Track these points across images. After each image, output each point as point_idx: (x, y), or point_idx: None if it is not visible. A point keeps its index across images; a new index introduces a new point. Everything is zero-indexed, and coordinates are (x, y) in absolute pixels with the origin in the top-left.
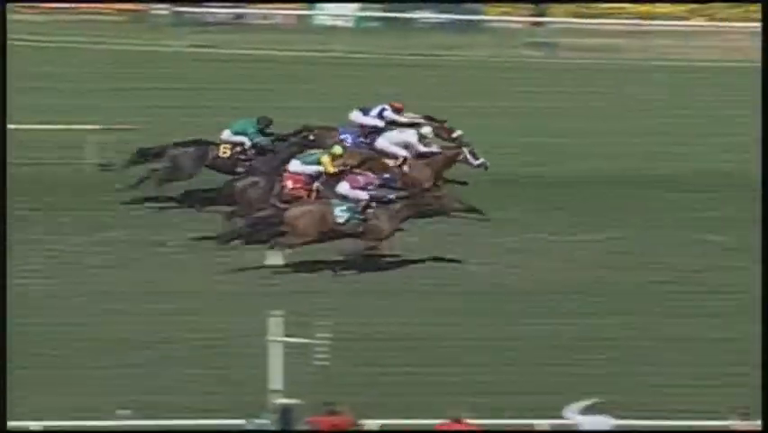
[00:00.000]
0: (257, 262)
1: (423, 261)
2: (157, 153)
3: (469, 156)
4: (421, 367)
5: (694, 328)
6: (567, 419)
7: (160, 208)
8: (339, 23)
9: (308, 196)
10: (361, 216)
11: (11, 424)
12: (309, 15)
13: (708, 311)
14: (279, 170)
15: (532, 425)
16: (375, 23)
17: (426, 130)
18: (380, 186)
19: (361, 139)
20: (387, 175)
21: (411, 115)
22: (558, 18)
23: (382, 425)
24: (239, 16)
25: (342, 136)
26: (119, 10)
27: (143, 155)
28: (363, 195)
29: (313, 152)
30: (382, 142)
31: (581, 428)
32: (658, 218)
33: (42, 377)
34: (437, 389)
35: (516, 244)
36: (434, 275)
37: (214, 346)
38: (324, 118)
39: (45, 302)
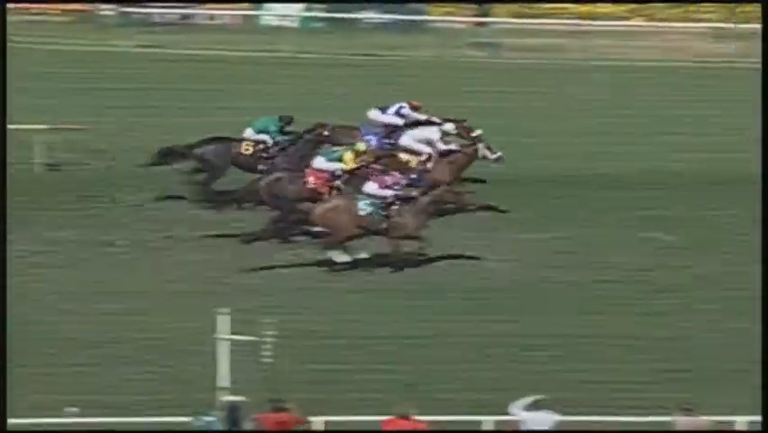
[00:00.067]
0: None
1: (443, 258)
2: (180, 154)
3: (486, 152)
4: (367, 364)
5: (638, 327)
6: (512, 415)
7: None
8: (285, 23)
9: (329, 193)
10: (384, 213)
11: None
12: (255, 16)
13: (651, 310)
14: (301, 166)
15: (480, 422)
16: (320, 24)
17: (449, 127)
18: (407, 185)
19: (385, 140)
20: (413, 175)
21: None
22: (500, 18)
23: (327, 422)
24: (185, 17)
25: (366, 137)
26: (65, 10)
27: (165, 155)
28: (389, 193)
29: (336, 148)
30: (406, 140)
31: (525, 425)
32: (602, 217)
33: None
34: (383, 386)
35: (459, 243)
36: (379, 273)
37: (162, 345)
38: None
39: None
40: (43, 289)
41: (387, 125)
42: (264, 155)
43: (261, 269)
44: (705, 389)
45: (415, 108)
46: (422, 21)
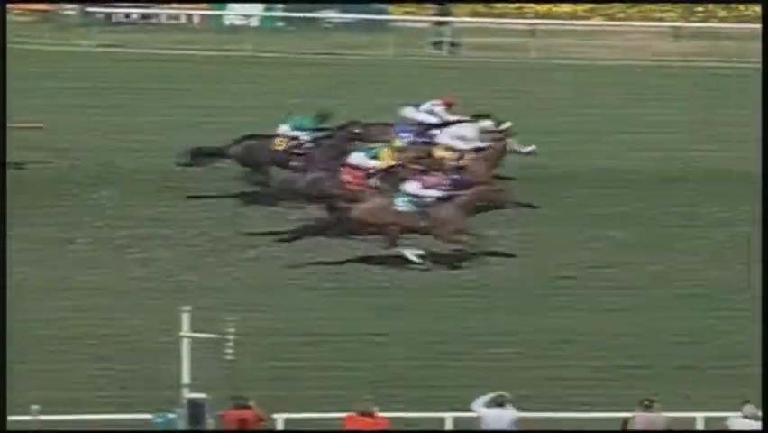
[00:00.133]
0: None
1: (480, 255)
2: (212, 154)
3: (517, 146)
4: (328, 361)
5: (596, 323)
6: (473, 411)
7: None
8: (246, 22)
9: (366, 191)
10: (425, 210)
11: None
12: (217, 15)
13: (609, 306)
14: (335, 163)
15: (441, 419)
16: (282, 23)
17: (487, 124)
18: (450, 186)
19: (419, 137)
20: (456, 176)
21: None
22: (461, 18)
23: (288, 419)
24: (147, 16)
25: (401, 134)
26: (28, 10)
27: (197, 156)
28: (434, 193)
29: (372, 145)
30: (444, 137)
31: (485, 422)
32: (559, 215)
33: None
34: (345, 383)
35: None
36: (342, 271)
37: (126, 343)
38: (235, 115)
39: None
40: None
41: (421, 123)
42: (297, 151)
43: (299, 266)
44: (663, 385)
45: (449, 105)
46: (383, 20)
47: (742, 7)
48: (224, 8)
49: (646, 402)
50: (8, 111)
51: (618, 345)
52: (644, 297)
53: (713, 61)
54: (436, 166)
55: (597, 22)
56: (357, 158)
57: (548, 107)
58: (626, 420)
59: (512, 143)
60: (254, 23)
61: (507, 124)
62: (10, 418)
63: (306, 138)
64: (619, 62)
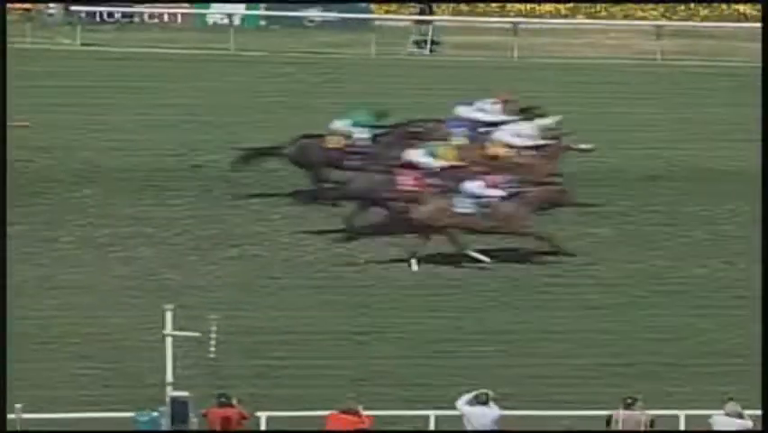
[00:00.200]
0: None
1: (551, 254)
2: (266, 153)
3: (575, 144)
4: (310, 360)
5: (576, 321)
6: (457, 409)
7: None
8: (229, 21)
9: (424, 190)
10: (488, 209)
11: None
12: (200, 14)
13: (589, 304)
14: (394, 162)
15: (426, 417)
16: (264, 22)
17: (548, 122)
18: (513, 184)
19: (473, 135)
20: (517, 174)
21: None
22: (443, 16)
23: (271, 417)
24: (129, 15)
25: (452, 129)
26: (11, 8)
27: (250, 156)
28: (498, 192)
29: (431, 143)
30: (501, 134)
31: (469, 420)
32: (544, 213)
33: None
34: (329, 381)
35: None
36: (329, 270)
37: (109, 341)
38: (217, 114)
39: None
40: None
41: (475, 121)
42: (353, 150)
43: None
44: (646, 382)
45: (505, 103)
46: (365, 19)
47: (723, 6)
48: (206, 7)
49: (629, 400)
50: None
51: (601, 343)
52: (627, 294)
53: (695, 60)
54: (496, 164)
55: (579, 20)
56: (415, 156)
57: (531, 106)
58: (608, 418)
59: (570, 141)
60: (237, 21)
61: (557, 117)
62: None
63: (362, 136)
64: (602, 61)
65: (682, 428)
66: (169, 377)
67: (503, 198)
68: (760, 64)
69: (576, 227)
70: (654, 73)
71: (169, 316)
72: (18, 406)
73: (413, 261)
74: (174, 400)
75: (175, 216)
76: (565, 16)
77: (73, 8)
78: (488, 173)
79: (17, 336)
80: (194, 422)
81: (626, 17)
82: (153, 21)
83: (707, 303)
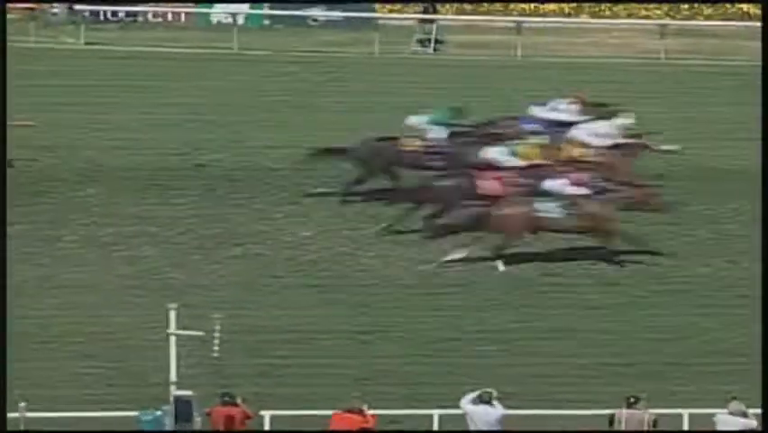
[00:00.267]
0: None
1: (636, 253)
2: (337, 152)
3: (657, 144)
4: (314, 359)
5: (579, 320)
6: (461, 408)
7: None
8: (233, 20)
9: (507, 189)
10: (573, 211)
11: None
12: (204, 13)
13: (592, 303)
14: (475, 162)
15: (429, 416)
16: (268, 21)
17: (626, 121)
18: (597, 183)
19: (548, 134)
20: (600, 173)
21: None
22: (447, 15)
23: (273, 416)
24: (133, 14)
25: (526, 126)
26: (13, 8)
27: (322, 154)
28: (584, 190)
29: (512, 142)
30: (578, 134)
31: (472, 419)
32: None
33: None
34: (332, 380)
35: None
36: (329, 269)
37: (112, 340)
38: (220, 113)
39: None
40: None
41: (550, 121)
42: (432, 151)
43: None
44: (649, 382)
45: (581, 103)
46: (369, 18)
47: (727, 5)
48: (210, 6)
49: (631, 399)
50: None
51: (603, 342)
52: (629, 294)
53: (699, 59)
54: (576, 163)
55: (583, 19)
56: (495, 154)
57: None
58: (611, 417)
59: (652, 141)
60: (240, 20)
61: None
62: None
63: (438, 136)
64: (605, 60)
65: (686, 427)
66: (173, 376)
67: (588, 196)
68: (763, 63)
69: None
70: (658, 72)
71: (172, 315)
72: (22, 405)
73: (499, 262)
74: (178, 399)
75: (178, 215)
76: (569, 15)
77: (77, 7)
78: (571, 171)
79: (20, 336)
80: (197, 421)
81: (629, 16)
82: (157, 20)
83: (710, 302)
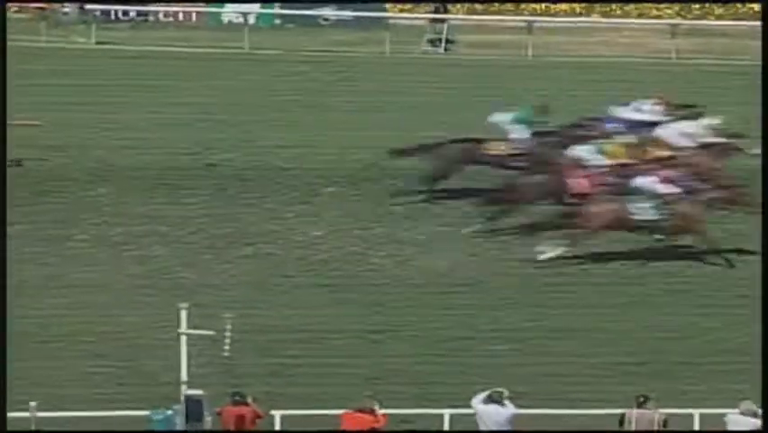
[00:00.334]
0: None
1: (725, 252)
2: (419, 150)
3: (747, 148)
4: (326, 358)
5: (590, 319)
6: (472, 407)
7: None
8: (243, 20)
9: (597, 188)
10: (668, 211)
11: None
12: (215, 13)
13: (603, 302)
14: (561, 161)
15: (440, 415)
16: (279, 21)
17: (713, 122)
18: (688, 182)
19: (633, 131)
20: (690, 173)
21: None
22: (458, 15)
23: (283, 415)
24: (144, 14)
25: (609, 126)
26: (25, 8)
27: (403, 151)
28: (674, 189)
29: (598, 141)
30: (664, 134)
31: (482, 418)
32: None
33: None
34: (343, 379)
35: (417, 237)
36: (340, 268)
37: (123, 339)
38: (232, 112)
39: None
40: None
41: (633, 121)
42: (517, 152)
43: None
44: (660, 381)
45: (665, 104)
46: (380, 18)
47: (739, 5)
48: (221, 6)
49: (641, 399)
50: (14, 108)
51: (615, 342)
52: (640, 293)
53: (710, 58)
54: (665, 162)
55: (594, 19)
56: (583, 153)
57: (544, 103)
58: (621, 417)
59: (738, 143)
60: (251, 20)
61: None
62: (7, 415)
63: (521, 137)
64: (616, 59)
65: (697, 426)
66: (184, 376)
67: (679, 195)
68: (763, 63)
69: None
70: (669, 72)
71: (183, 314)
72: (33, 404)
73: (546, 248)
74: (188, 399)
75: (189, 214)
76: (580, 15)
77: (88, 7)
78: (659, 170)
79: (30, 335)
80: (208, 421)
81: (640, 16)
82: (168, 19)
83: (721, 302)
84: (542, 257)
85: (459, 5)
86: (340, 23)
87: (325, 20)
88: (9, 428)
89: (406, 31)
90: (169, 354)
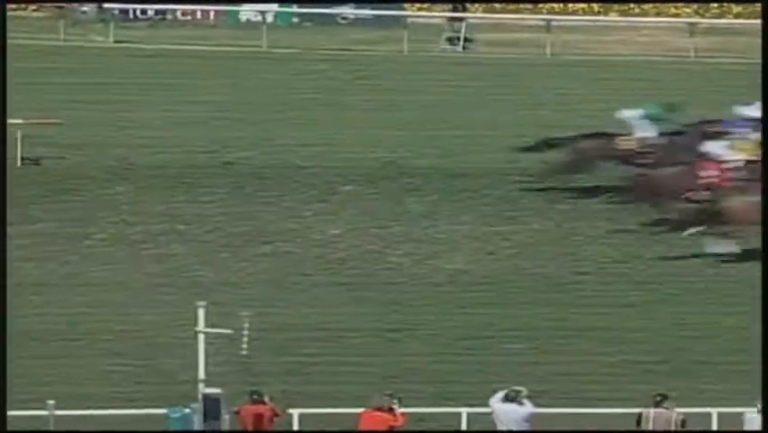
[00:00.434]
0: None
1: None
2: (557, 144)
3: None
4: (343, 357)
5: (608, 318)
6: (489, 406)
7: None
8: (261, 18)
9: (728, 182)
10: None
11: None
12: (233, 12)
13: (621, 301)
14: (692, 158)
15: (458, 414)
16: (297, 19)
17: None
18: None
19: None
20: None
21: None
22: (476, 14)
23: (301, 414)
24: (162, 12)
25: (736, 125)
26: (43, 7)
27: (542, 145)
28: None
29: (729, 138)
30: None
31: (498, 417)
32: (577, 209)
33: None
34: (360, 378)
35: (435, 236)
36: (358, 267)
37: (140, 338)
38: (250, 110)
39: None
40: (21, 281)
41: (759, 119)
42: (648, 149)
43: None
44: (678, 380)
45: None
46: (398, 16)
47: (757, 3)
48: (239, 5)
49: (658, 398)
50: (24, 107)
51: (632, 340)
52: (659, 292)
53: (729, 57)
54: None
55: (612, 17)
56: (715, 148)
57: (563, 103)
58: (639, 416)
59: None
60: (269, 19)
61: None
62: (25, 413)
63: (650, 135)
64: (634, 58)
65: (715, 426)
66: (201, 374)
67: None
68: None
69: (606, 224)
70: (687, 70)
71: (201, 313)
72: (50, 402)
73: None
74: (206, 397)
75: (207, 213)
76: (598, 13)
77: (106, 6)
78: None
79: (49, 333)
80: (226, 419)
81: (658, 14)
82: (186, 18)
83: (739, 301)
84: (718, 251)
85: (477, 4)
86: (358, 22)
87: (344, 18)
88: (27, 426)
89: (425, 29)
90: (186, 353)
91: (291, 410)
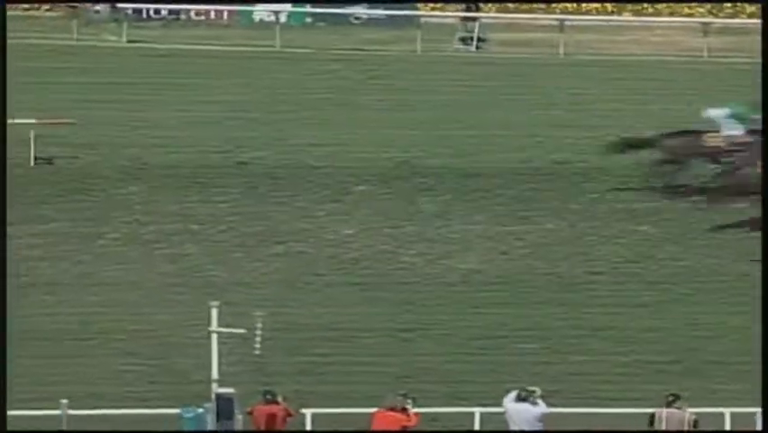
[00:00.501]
0: None
1: None
2: (643, 144)
3: None
4: (356, 356)
5: (621, 318)
6: (503, 406)
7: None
8: (275, 18)
9: None
10: None
11: None
12: (246, 12)
13: (633, 301)
14: None
15: (471, 414)
16: (310, 19)
17: None
18: None
19: None
20: None
21: None
22: (489, 14)
23: (314, 414)
24: (176, 12)
25: None
26: (56, 7)
27: (626, 145)
28: None
29: None
30: None
31: (511, 417)
32: (590, 210)
33: None
34: (373, 378)
35: (448, 236)
36: (371, 267)
37: (153, 337)
38: (263, 110)
39: None
40: (34, 282)
41: None
42: (737, 147)
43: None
44: (690, 380)
45: None
46: (411, 16)
47: None
48: (253, 5)
49: (671, 398)
50: (37, 106)
51: (645, 340)
52: (672, 292)
53: (742, 57)
54: None
55: (625, 17)
56: None
57: (576, 103)
58: (651, 416)
59: None
60: (283, 19)
61: None
62: (38, 412)
63: (736, 133)
64: (647, 58)
65: (728, 426)
66: (215, 374)
67: None
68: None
69: (620, 224)
70: (700, 70)
71: (214, 312)
72: (64, 402)
73: None
74: (219, 397)
75: (220, 212)
76: (611, 13)
77: (120, 5)
78: None
79: (62, 333)
80: (239, 419)
81: (671, 14)
82: (200, 18)
83: (751, 301)
84: None
85: (490, 4)
86: (371, 22)
87: (357, 18)
88: (41, 426)
89: (438, 29)
90: (200, 353)
91: (304, 410)
